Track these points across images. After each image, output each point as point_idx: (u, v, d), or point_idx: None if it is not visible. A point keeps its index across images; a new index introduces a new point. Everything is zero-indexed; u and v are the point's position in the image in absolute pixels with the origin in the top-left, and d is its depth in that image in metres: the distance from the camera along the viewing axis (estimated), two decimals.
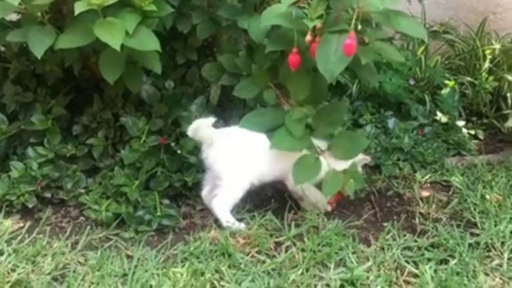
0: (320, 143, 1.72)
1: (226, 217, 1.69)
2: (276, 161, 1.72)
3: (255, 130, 1.71)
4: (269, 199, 1.83)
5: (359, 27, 1.46)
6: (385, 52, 1.65)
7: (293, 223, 1.72)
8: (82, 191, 1.79)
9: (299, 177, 1.67)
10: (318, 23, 1.51)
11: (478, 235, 1.69)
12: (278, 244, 1.64)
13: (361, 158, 1.79)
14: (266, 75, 1.74)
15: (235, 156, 1.72)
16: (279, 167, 1.73)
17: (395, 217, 1.80)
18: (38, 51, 1.61)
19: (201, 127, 1.69)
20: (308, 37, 1.55)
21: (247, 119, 1.74)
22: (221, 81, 1.85)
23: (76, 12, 1.53)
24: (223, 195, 1.70)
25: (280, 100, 1.74)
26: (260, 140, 1.71)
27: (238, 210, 1.77)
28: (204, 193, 1.76)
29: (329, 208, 1.80)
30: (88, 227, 1.70)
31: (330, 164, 1.70)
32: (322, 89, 1.77)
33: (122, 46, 1.54)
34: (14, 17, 1.80)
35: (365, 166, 2.06)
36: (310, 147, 1.69)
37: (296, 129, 1.67)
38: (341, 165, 1.71)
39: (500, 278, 1.54)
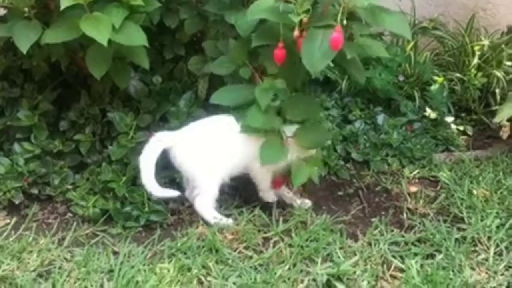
0: (286, 130, 1.70)
1: (212, 215, 1.69)
2: (242, 153, 1.70)
3: (226, 104, 1.69)
4: (257, 195, 1.83)
5: (345, 22, 1.46)
6: (371, 48, 1.65)
7: (281, 218, 1.72)
8: (70, 187, 1.78)
9: (264, 159, 1.65)
10: (305, 18, 1.51)
11: (464, 230, 1.70)
12: (266, 240, 1.64)
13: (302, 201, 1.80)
14: (243, 52, 1.72)
15: (202, 154, 1.70)
16: (245, 159, 1.71)
17: (383, 213, 1.81)
18: (23, 46, 1.60)
19: (157, 146, 1.67)
20: (296, 32, 1.55)
21: (219, 94, 1.72)
22: (205, 69, 1.84)
23: (62, 7, 1.51)
24: (202, 195, 1.69)
25: (254, 77, 1.71)
26: (225, 134, 1.70)
27: (227, 205, 1.77)
28: (187, 193, 1.76)
29: (271, 199, 1.78)
30: (75, 223, 1.69)
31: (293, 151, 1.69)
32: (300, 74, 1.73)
33: (110, 41, 1.53)
34: (0, 12, 1.79)
35: (353, 161, 2.08)
36: (278, 128, 1.66)
37: (263, 98, 1.63)
38: (303, 154, 1.70)
39: (486, 273, 1.55)
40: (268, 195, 1.78)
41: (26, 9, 1.65)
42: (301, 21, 1.53)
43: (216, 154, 1.70)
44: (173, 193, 1.68)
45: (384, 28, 1.61)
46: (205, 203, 1.69)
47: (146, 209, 1.70)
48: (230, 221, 1.69)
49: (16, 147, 1.81)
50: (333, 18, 1.48)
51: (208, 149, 1.70)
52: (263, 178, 1.76)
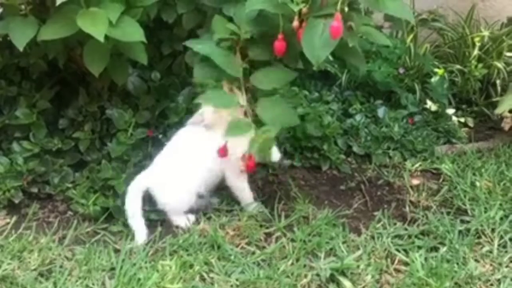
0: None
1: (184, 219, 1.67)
2: (215, 165, 1.66)
3: (206, 76, 1.63)
4: (258, 190, 1.82)
5: (346, 9, 1.44)
6: (372, 36, 1.63)
7: (283, 213, 1.70)
8: (69, 185, 1.76)
9: (230, 131, 1.56)
10: (304, 8, 1.49)
11: (468, 222, 1.69)
12: (268, 235, 1.63)
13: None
14: (224, 26, 1.65)
15: (177, 188, 1.66)
16: (218, 169, 1.68)
17: (385, 206, 1.80)
18: (20, 43, 1.58)
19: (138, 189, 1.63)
20: (295, 23, 1.53)
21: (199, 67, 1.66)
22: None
23: (58, 2, 1.50)
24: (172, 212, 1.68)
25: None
26: (196, 151, 1.66)
27: (228, 201, 1.75)
28: None
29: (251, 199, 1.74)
30: (76, 221, 1.67)
31: None
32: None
33: (107, 37, 1.52)
34: None
35: (354, 155, 2.06)
36: (238, 103, 1.59)
37: (220, 55, 1.58)
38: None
39: (491, 265, 1.54)
40: (252, 206, 1.72)
41: (22, 6, 1.63)
42: (300, 11, 1.51)
43: (190, 178, 1.66)
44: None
45: (387, 12, 1.59)
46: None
47: (146, 208, 1.69)
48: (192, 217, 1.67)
49: (15, 146, 1.79)
50: (333, 7, 1.46)
51: (182, 180, 1.65)
52: (239, 186, 1.71)
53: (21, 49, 1.57)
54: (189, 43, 1.67)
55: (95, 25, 1.52)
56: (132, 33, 1.61)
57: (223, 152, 1.62)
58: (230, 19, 1.71)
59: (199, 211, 1.70)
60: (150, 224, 1.67)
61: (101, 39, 1.50)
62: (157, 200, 1.67)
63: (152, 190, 1.65)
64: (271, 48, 1.59)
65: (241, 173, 1.68)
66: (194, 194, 1.67)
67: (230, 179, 1.70)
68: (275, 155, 1.75)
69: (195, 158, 1.67)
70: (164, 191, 1.66)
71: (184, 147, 1.69)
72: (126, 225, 1.65)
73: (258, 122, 1.58)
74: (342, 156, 2.02)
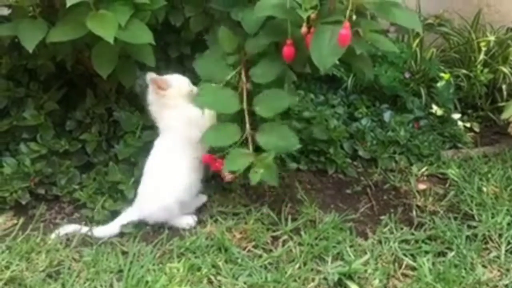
0: None
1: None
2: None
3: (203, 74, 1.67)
4: (265, 193, 1.82)
5: (354, 17, 1.45)
6: (379, 43, 1.63)
7: (289, 217, 1.71)
8: (76, 187, 1.76)
9: (230, 164, 1.59)
10: (313, 14, 1.50)
11: (475, 227, 1.69)
12: (274, 238, 1.63)
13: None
14: (232, 41, 1.68)
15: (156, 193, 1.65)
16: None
17: (392, 210, 1.80)
18: (29, 45, 1.58)
19: None
20: (304, 29, 1.54)
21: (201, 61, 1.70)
22: None
23: (68, 5, 1.50)
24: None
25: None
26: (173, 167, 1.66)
27: (234, 204, 1.76)
28: None
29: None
30: (83, 223, 1.67)
31: None
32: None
33: (115, 39, 1.52)
34: (5, 11, 1.78)
35: (360, 159, 2.06)
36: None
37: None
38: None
39: (498, 270, 1.53)
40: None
41: (31, 8, 1.63)
42: (308, 17, 1.52)
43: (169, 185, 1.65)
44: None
45: (395, 21, 1.59)
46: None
47: None
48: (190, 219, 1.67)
49: (22, 147, 1.79)
50: (342, 14, 1.47)
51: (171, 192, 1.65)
52: None
53: (30, 50, 1.58)
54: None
55: (105, 27, 1.53)
56: (141, 35, 1.62)
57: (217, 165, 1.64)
58: (238, 24, 1.72)
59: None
60: (157, 226, 1.68)
61: (111, 41, 1.50)
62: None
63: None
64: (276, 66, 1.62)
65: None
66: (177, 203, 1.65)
67: None
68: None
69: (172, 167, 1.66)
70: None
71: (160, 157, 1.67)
72: (133, 227, 1.66)
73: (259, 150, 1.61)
74: (348, 160, 2.02)
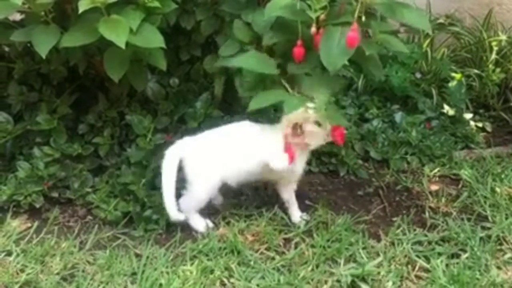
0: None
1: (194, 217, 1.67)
2: (250, 158, 1.64)
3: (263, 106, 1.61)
4: (276, 195, 1.82)
5: (363, 18, 1.45)
6: (390, 44, 1.63)
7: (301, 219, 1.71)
8: (89, 190, 1.78)
9: (288, 107, 1.54)
10: (322, 15, 1.50)
11: (489, 228, 1.68)
12: (287, 241, 1.63)
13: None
14: (247, 30, 1.68)
15: (202, 159, 1.64)
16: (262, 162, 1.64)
17: (404, 212, 1.79)
18: (42, 51, 1.60)
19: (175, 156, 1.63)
20: (313, 29, 1.54)
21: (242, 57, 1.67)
22: (217, 63, 1.80)
23: (80, 10, 1.51)
24: (189, 197, 1.65)
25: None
26: (230, 140, 1.65)
27: (246, 206, 1.76)
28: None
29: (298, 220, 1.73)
30: (96, 226, 1.69)
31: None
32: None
33: (127, 43, 1.53)
34: (17, 17, 1.80)
35: (372, 160, 2.06)
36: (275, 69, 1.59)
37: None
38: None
39: None
40: (297, 213, 1.72)
41: (43, 14, 1.65)
42: (317, 18, 1.52)
43: (217, 159, 1.64)
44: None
45: (404, 22, 1.59)
46: (187, 205, 1.65)
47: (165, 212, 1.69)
48: (210, 224, 1.67)
49: (36, 151, 1.81)
50: (351, 15, 1.47)
51: (210, 153, 1.64)
52: (286, 184, 1.70)
53: (43, 56, 1.59)
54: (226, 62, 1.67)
55: (117, 32, 1.53)
56: (152, 39, 1.62)
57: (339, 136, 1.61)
58: (248, 25, 1.72)
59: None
60: (169, 228, 1.68)
61: (123, 46, 1.51)
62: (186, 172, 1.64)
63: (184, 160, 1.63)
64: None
65: (291, 186, 1.70)
66: (219, 182, 1.64)
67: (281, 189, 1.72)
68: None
69: (240, 151, 1.64)
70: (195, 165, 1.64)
71: (235, 137, 1.66)
72: (146, 230, 1.67)
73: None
74: (360, 161, 2.02)
